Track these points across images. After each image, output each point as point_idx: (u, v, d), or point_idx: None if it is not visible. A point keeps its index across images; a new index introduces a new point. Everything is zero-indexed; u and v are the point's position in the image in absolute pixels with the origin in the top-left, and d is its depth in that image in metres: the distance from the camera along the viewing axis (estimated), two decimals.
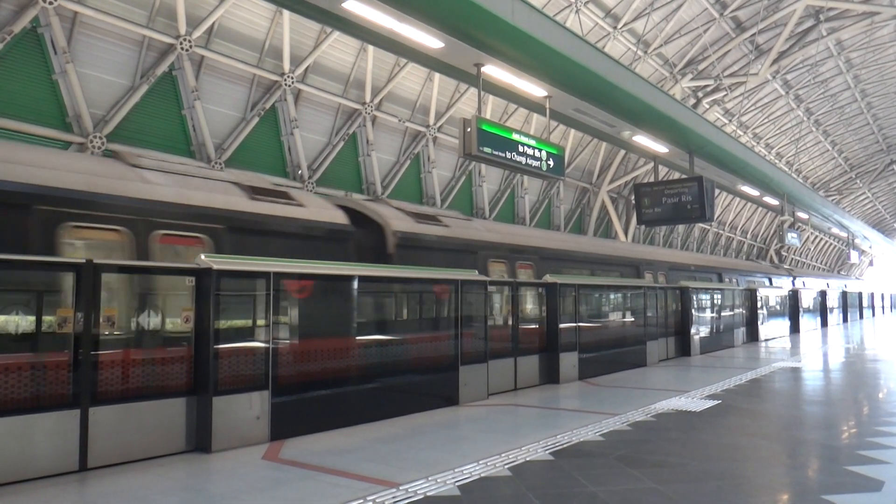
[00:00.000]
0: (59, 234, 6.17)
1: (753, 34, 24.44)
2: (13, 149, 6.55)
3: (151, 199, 6.82)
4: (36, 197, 5.98)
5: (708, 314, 16.85)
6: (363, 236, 9.39)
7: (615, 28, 21.81)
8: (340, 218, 9.07)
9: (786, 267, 33.42)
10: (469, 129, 8.75)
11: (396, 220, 9.97)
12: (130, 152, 7.93)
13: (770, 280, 26.04)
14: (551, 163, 10.15)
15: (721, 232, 40.27)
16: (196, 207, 7.19)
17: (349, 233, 9.07)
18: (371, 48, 16.70)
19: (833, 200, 41.27)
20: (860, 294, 37.36)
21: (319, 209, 8.83)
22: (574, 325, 11.19)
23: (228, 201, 7.62)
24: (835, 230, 35.59)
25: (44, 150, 7.58)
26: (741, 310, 18.91)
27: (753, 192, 21.27)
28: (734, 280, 22.04)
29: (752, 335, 19.68)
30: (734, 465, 5.43)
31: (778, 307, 22.54)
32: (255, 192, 8.17)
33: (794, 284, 28.27)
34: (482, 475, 5.12)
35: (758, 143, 34.91)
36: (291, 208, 8.39)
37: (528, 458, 5.63)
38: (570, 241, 15.31)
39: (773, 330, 21.45)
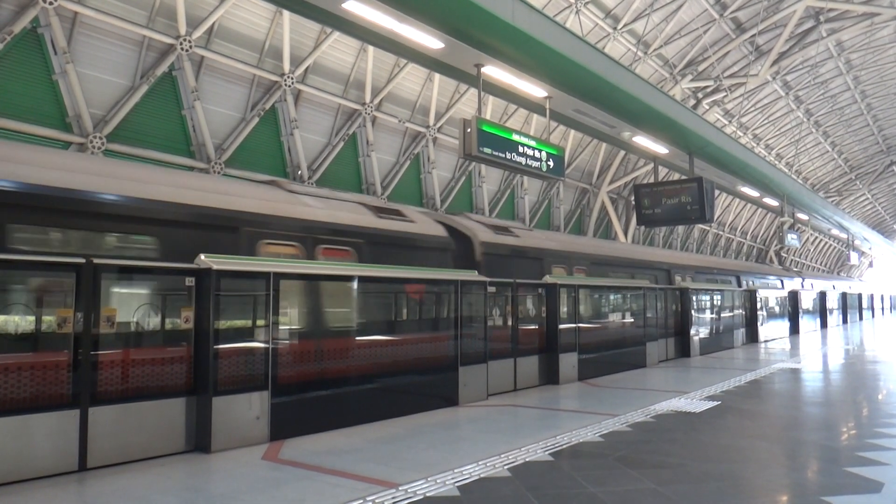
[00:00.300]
0: (258, 249, 7.59)
1: (753, 35, 24.45)
2: (199, 178, 8.08)
3: (315, 220, 8.38)
4: (244, 221, 7.52)
5: (708, 315, 16.85)
6: (457, 246, 10.71)
7: (615, 29, 21.82)
8: (441, 231, 10.47)
9: (794, 270, 35.01)
10: (469, 130, 8.75)
11: (481, 232, 11.37)
12: (283, 181, 10.07)
13: (782, 282, 27.29)
14: (551, 163, 10.15)
15: (721, 233, 40.27)
16: (344, 226, 8.72)
17: (448, 244, 10.47)
18: (371, 48, 16.71)
19: (833, 202, 41.31)
20: (860, 295, 37.37)
21: (426, 224, 10.27)
22: (574, 325, 11.19)
23: (365, 220, 9.15)
24: (834, 231, 35.59)
25: (222, 180, 9.51)
26: (741, 311, 18.92)
27: (753, 193, 21.27)
28: (750, 282, 23.56)
29: (752, 336, 19.69)
30: (734, 466, 5.43)
31: (777, 308, 22.54)
32: (379, 211, 9.71)
33: (802, 286, 29.14)
34: (482, 476, 5.12)
35: (758, 144, 34.92)
36: (406, 224, 9.81)
37: (527, 459, 5.63)
38: (613, 247, 17.54)
39: (773, 331, 21.46)
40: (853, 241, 37.93)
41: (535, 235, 13.23)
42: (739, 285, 21.86)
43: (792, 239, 26.03)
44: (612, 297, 13.17)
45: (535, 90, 10.35)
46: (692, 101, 26.24)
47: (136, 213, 6.58)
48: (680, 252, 24.94)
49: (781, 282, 27.16)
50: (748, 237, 44.24)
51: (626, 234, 28.81)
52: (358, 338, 7.76)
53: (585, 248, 14.75)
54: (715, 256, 33.81)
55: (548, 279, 10.99)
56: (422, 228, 10.04)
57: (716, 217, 29.49)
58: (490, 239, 11.34)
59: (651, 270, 16.78)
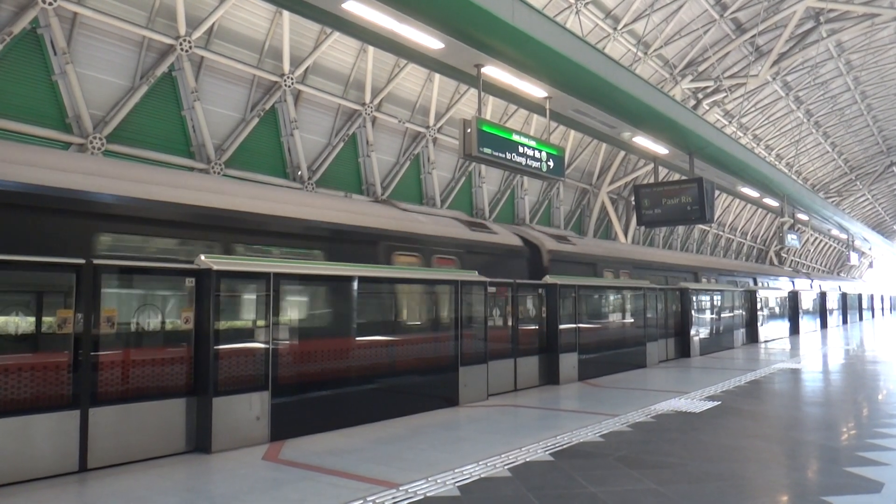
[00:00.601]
0: (393, 259, 9.30)
1: (753, 35, 24.45)
2: (338, 201, 9.79)
3: (430, 234, 10.23)
4: (382, 237, 9.26)
5: (708, 316, 16.86)
6: (529, 254, 12.39)
7: (615, 29, 21.82)
8: (517, 241, 12.23)
9: (804, 272, 37.44)
10: (469, 130, 8.75)
11: (548, 241, 13.07)
12: (394, 200, 11.74)
13: (793, 282, 29.08)
14: (551, 164, 10.15)
15: (721, 233, 40.27)
16: (450, 238, 10.60)
17: (523, 251, 12.20)
18: (371, 49, 16.71)
19: (833, 202, 41.32)
20: (860, 296, 37.38)
21: (506, 236, 12.16)
22: (574, 326, 11.19)
23: (464, 233, 11.11)
24: (835, 232, 35.60)
25: (350, 201, 10.99)
26: (741, 311, 18.92)
27: (753, 194, 21.28)
28: (766, 283, 25.78)
29: (752, 337, 19.70)
30: (734, 466, 5.43)
31: (777, 309, 22.55)
32: (471, 225, 11.59)
33: (811, 287, 30.58)
34: (482, 476, 5.12)
35: (758, 144, 34.92)
36: (490, 235, 11.66)
37: (528, 459, 5.63)
38: (653, 253, 19.53)
39: (773, 331, 21.46)
40: (853, 242, 37.92)
41: (588, 243, 15.17)
42: (756, 285, 23.63)
43: (792, 239, 26.03)
44: (612, 297, 13.17)
45: (535, 90, 10.36)
46: (692, 102, 26.25)
47: (312, 232, 8.43)
48: (704, 256, 28.13)
49: (793, 282, 28.98)
50: (748, 237, 44.24)
51: (626, 234, 28.80)
52: (358, 338, 7.76)
53: (628, 253, 16.68)
54: (735, 260, 36.74)
55: (548, 279, 11.00)
56: (503, 239, 11.92)
57: (716, 217, 30.37)
58: (555, 247, 13.06)
59: (681, 273, 18.65)
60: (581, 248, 14.01)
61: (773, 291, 22.73)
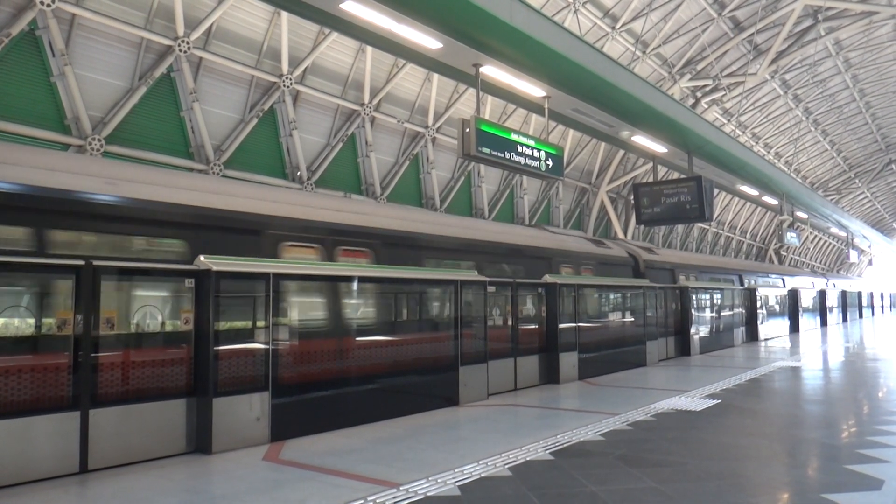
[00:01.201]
0: (560, 270, 12.42)
1: (752, 34, 24.45)
2: (493, 224, 12.76)
3: (578, 251, 13.51)
4: (555, 254, 12.54)
5: (707, 314, 16.86)
6: (633, 263, 15.72)
7: (613, 28, 21.82)
8: (625, 254, 15.61)
9: (818, 271, 41.68)
10: (468, 130, 8.75)
11: (643, 253, 16.48)
12: (542, 225, 15.70)
13: (813, 283, 31.52)
14: (550, 163, 10.15)
15: (720, 232, 40.28)
16: (584, 253, 13.80)
17: (629, 262, 15.55)
18: (369, 49, 16.70)
19: (832, 200, 41.28)
20: (859, 293, 37.40)
21: (617, 250, 15.51)
22: (574, 325, 11.19)
23: (594, 249, 14.41)
24: (834, 230, 35.60)
25: (507, 225, 13.97)
26: (741, 309, 18.93)
27: (752, 192, 21.28)
28: (805, 284, 29.41)
29: (752, 335, 19.71)
30: (734, 465, 5.44)
31: (777, 307, 22.56)
32: (595, 242, 15.19)
33: (826, 285, 32.57)
34: (482, 475, 5.12)
35: (756, 142, 34.93)
36: (608, 250, 15.02)
37: (528, 458, 5.63)
38: (709, 259, 23.56)
39: (773, 329, 21.47)
40: (852, 240, 37.92)
41: (665, 253, 18.62)
42: (784, 286, 26.70)
43: (791, 237, 26.03)
44: (612, 296, 13.18)
45: (533, 90, 10.35)
46: (691, 101, 26.24)
47: (462, 247, 10.36)
48: (744, 260, 33.46)
49: (813, 282, 31.65)
50: (748, 236, 44.25)
51: (625, 233, 28.81)
52: (358, 338, 7.76)
53: (696, 260, 20.52)
54: (764, 262, 40.97)
55: (547, 278, 11.00)
56: (616, 252, 15.30)
57: (715, 216, 30.90)
58: (647, 257, 16.39)
59: (732, 274, 21.99)
60: (662, 258, 17.44)
61: (774, 289, 22.78)
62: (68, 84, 12.09)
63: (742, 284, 21.44)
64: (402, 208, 11.32)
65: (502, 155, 9.21)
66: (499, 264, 11.04)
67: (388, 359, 8.00)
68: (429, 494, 4.64)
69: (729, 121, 31.17)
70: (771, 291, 22.42)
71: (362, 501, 4.47)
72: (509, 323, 10.25)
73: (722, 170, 17.25)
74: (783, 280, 26.89)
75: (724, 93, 26.36)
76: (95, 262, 5.60)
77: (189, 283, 6.22)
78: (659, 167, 16.30)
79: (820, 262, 58.19)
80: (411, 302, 9.11)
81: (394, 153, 19.40)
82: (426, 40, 8.36)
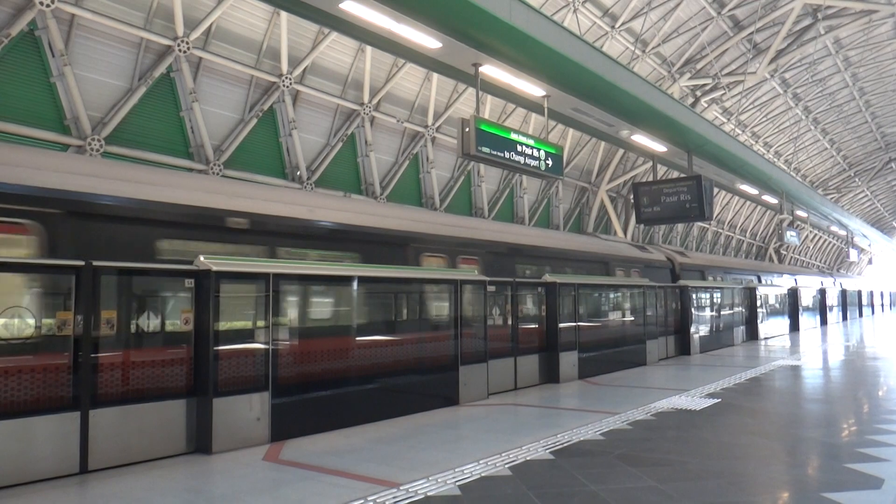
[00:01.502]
0: (615, 273, 14.81)
1: (751, 33, 24.44)
2: (553, 232, 15.34)
3: (630, 256, 16.12)
4: (614, 260, 15.01)
5: (707, 313, 16.87)
6: (671, 266, 18.11)
7: (613, 27, 21.81)
8: (664, 258, 18.12)
9: (828, 270, 44.44)
10: (467, 129, 8.75)
11: (679, 256, 18.99)
12: (598, 234, 19.37)
13: (822, 282, 33.42)
14: (550, 162, 10.15)
15: (720, 231, 40.28)
16: (633, 258, 16.22)
17: (666, 265, 17.95)
18: (369, 49, 16.69)
19: (832, 199, 41.27)
20: (859, 292, 37.40)
21: (657, 254, 17.95)
22: (574, 324, 11.19)
23: (641, 253, 16.95)
24: (834, 228, 35.59)
25: (567, 234, 17.08)
26: (741, 308, 18.93)
27: (752, 191, 21.28)
28: (841, 282, 33.55)
29: (752, 334, 19.71)
30: (734, 464, 5.44)
31: (777, 306, 22.57)
32: (639, 248, 17.51)
33: (834, 284, 34.37)
34: (483, 475, 5.12)
35: (756, 141, 34.92)
36: (650, 254, 17.37)
37: (528, 458, 5.63)
38: (735, 261, 26.16)
39: (773, 328, 21.47)
40: (852, 238, 37.93)
41: (697, 256, 21.14)
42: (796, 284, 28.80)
43: (791, 236, 26.03)
44: (611, 295, 13.18)
45: (533, 89, 10.35)
46: (690, 100, 26.23)
47: (547, 255, 12.69)
48: (762, 262, 36.86)
49: (822, 281, 33.71)
50: (747, 235, 44.25)
51: (625, 232, 28.81)
52: (358, 338, 7.76)
53: (721, 262, 22.69)
54: (787, 265, 44.01)
55: (547, 278, 11.00)
56: (657, 257, 17.72)
57: (715, 215, 31.11)
58: (682, 260, 18.85)
59: (751, 274, 24.37)
60: (694, 260, 19.89)
61: (774, 288, 22.80)
62: (68, 84, 12.08)
63: (761, 283, 24.07)
64: (497, 224, 13.44)
65: (502, 154, 9.21)
66: (569, 269, 13.45)
67: (388, 358, 8.00)
68: (429, 494, 4.64)
69: (728, 120, 31.16)
70: (770, 290, 22.43)
71: (362, 501, 4.48)
72: (509, 322, 10.25)
73: (722, 169, 17.26)
74: (795, 280, 29.25)
75: (723, 92, 26.35)
76: (95, 263, 5.60)
77: (189, 283, 6.22)
78: (659, 166, 16.31)
79: (820, 261, 58.19)
80: (411, 301, 9.11)
81: (393, 153, 19.40)
82: (426, 40, 8.36)
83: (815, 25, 25.23)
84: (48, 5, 11.44)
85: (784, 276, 28.40)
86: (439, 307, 9.15)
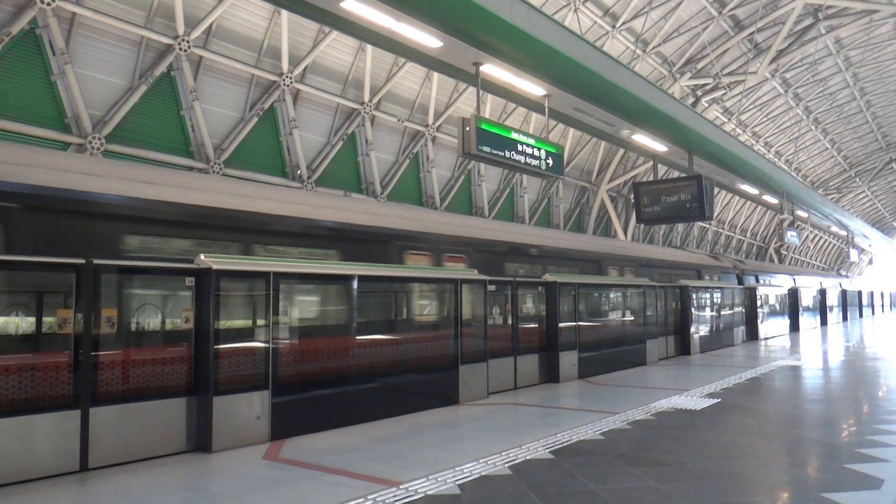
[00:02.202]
0: (650, 278, 14.57)
1: (752, 32, 24.44)
2: (628, 242, 18.24)
3: (708, 264, 18.79)
4: (682, 267, 17.27)
5: (707, 313, 16.87)
6: (736, 272, 20.69)
7: (614, 27, 21.81)
8: (731, 265, 20.73)
9: (838, 271, 47.08)
10: (468, 129, 8.75)
11: (739, 264, 21.72)
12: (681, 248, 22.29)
13: (840, 283, 35.13)
14: (550, 162, 10.15)
15: (721, 230, 40.28)
16: (711, 265, 18.97)
17: (733, 270, 20.39)
18: (369, 48, 16.70)
19: (832, 199, 41.26)
20: (860, 292, 37.39)
21: (726, 262, 20.57)
22: (574, 324, 11.19)
23: (715, 261, 19.77)
24: (834, 229, 35.58)
25: (646, 245, 18.96)
26: (741, 308, 18.94)
27: (753, 191, 21.28)
28: (840, 284, 34.59)
29: (752, 334, 19.71)
30: (734, 464, 5.44)
31: (777, 306, 22.57)
32: (713, 257, 19.87)
33: (840, 286, 34.81)
34: (482, 474, 5.13)
35: (757, 141, 34.91)
36: (720, 262, 19.97)
37: (528, 457, 5.63)
38: (777, 266, 28.44)
39: (773, 328, 21.48)
40: (853, 239, 37.92)
41: (752, 263, 24.18)
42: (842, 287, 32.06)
43: (792, 236, 26.02)
44: (611, 295, 13.17)
45: (533, 88, 10.35)
46: (691, 99, 26.23)
47: (592, 258, 13.37)
48: (794, 266, 39.70)
49: (840, 283, 35.22)
50: (748, 235, 44.24)
51: (625, 232, 28.80)
52: (358, 337, 7.76)
53: (767, 268, 25.21)
54: (804, 267, 46.02)
55: (547, 277, 10.99)
56: (726, 263, 20.47)
57: (715, 215, 31.27)
58: (743, 267, 21.58)
59: (789, 275, 26.75)
60: (750, 267, 22.62)
61: (774, 289, 22.80)
62: (68, 83, 12.09)
63: (795, 284, 26.48)
64: (536, 229, 14.24)
65: (502, 154, 9.21)
66: (656, 275, 15.42)
67: (388, 357, 8.00)
68: (429, 493, 4.64)
69: (729, 119, 31.16)
70: (771, 290, 22.43)
71: (362, 500, 4.48)
72: (509, 322, 10.25)
73: (722, 168, 17.25)
74: (820, 282, 31.67)
75: (724, 91, 26.35)
76: (96, 261, 5.60)
77: (189, 281, 6.22)
78: (659, 166, 16.30)
79: (820, 261, 58.18)
80: (411, 301, 9.11)
81: (394, 152, 19.40)
82: (426, 39, 8.36)
83: (815, 25, 25.22)
84: (49, 3, 11.44)
85: (814, 277, 30.90)
86: (439, 306, 9.15)
